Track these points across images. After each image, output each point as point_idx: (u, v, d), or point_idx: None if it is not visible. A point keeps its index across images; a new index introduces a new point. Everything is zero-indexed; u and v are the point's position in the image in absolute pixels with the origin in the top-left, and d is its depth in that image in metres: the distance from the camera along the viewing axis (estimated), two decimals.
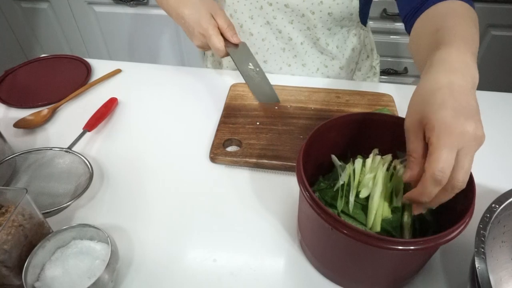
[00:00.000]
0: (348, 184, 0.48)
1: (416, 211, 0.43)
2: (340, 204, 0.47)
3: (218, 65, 0.98)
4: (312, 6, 0.74)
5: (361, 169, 0.48)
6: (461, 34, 0.49)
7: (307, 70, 0.86)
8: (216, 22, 0.66)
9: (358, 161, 0.49)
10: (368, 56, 0.92)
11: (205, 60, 1.02)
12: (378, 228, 0.45)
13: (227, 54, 0.67)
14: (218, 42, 0.64)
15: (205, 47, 0.69)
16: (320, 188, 0.52)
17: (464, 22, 0.53)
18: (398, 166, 0.47)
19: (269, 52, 0.84)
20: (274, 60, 0.86)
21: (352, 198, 0.47)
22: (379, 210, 0.45)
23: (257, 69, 0.69)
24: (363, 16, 0.82)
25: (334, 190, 0.50)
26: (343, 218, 0.46)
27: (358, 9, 0.76)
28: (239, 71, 0.68)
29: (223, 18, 0.66)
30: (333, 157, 0.53)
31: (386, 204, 0.45)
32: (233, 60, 0.67)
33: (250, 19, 0.79)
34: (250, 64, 0.69)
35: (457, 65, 0.44)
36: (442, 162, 0.37)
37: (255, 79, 0.70)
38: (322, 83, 0.83)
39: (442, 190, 0.39)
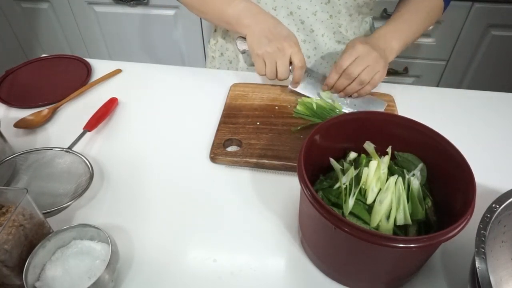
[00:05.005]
0: (355, 185, 0.48)
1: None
2: (346, 207, 0.47)
3: (229, 64, 0.95)
4: None
5: (367, 171, 0.49)
6: (403, 19, 0.76)
7: (325, 63, 0.88)
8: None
9: (373, 163, 0.49)
10: None
11: (212, 61, 1.00)
12: (389, 229, 0.46)
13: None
14: (301, 56, 0.70)
15: (267, 61, 0.70)
16: (323, 187, 0.52)
17: (417, 12, 0.77)
18: (411, 178, 0.49)
19: None
20: None
21: (352, 200, 0.47)
22: (391, 215, 0.46)
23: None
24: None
25: (334, 189, 0.50)
26: (350, 218, 0.47)
27: None
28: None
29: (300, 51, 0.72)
30: (332, 160, 0.53)
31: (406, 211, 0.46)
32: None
33: (273, 10, 0.80)
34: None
35: (380, 35, 0.73)
36: (342, 60, 0.69)
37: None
38: None
39: (347, 83, 0.71)
